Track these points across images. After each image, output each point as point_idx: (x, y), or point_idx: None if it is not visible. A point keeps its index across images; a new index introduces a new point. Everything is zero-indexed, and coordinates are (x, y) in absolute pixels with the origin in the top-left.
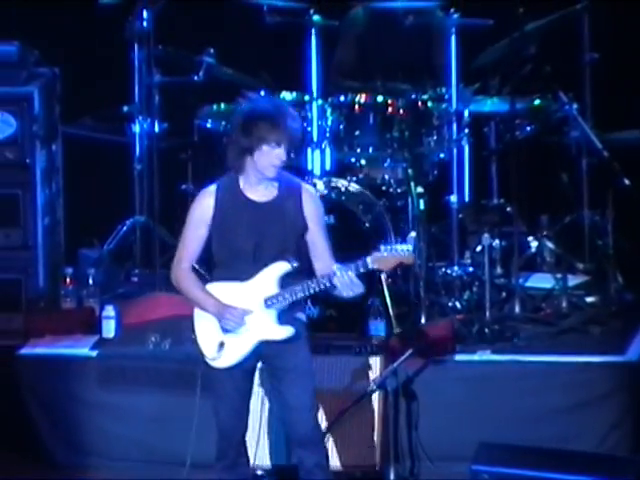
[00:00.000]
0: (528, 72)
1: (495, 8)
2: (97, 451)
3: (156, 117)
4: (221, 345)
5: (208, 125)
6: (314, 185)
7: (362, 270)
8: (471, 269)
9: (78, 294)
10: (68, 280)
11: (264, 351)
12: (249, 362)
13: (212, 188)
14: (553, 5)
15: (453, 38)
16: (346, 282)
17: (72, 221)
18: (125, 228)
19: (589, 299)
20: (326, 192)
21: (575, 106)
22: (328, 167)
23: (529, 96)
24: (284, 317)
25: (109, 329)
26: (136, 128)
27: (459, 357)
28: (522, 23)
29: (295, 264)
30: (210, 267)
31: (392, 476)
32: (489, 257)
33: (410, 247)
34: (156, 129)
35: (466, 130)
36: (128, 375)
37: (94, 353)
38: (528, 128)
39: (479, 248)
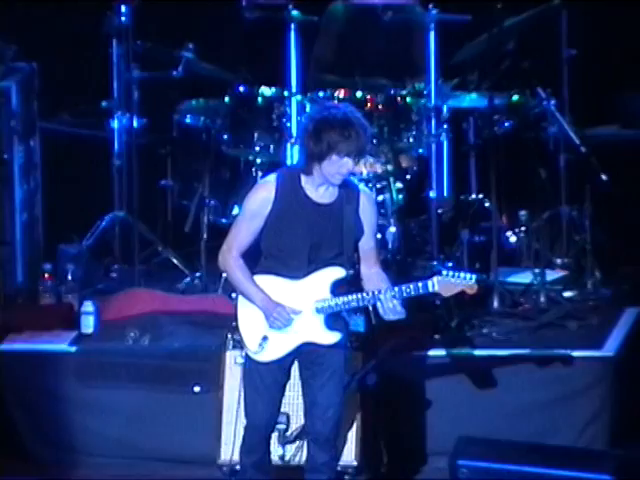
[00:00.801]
0: (506, 68)
1: (474, 4)
2: (76, 447)
3: (135, 112)
4: (264, 339)
5: (187, 120)
6: None
7: (422, 292)
8: (450, 264)
9: (57, 290)
10: (47, 276)
11: (304, 348)
12: (290, 357)
13: (272, 180)
14: (531, 1)
15: (432, 34)
16: (389, 308)
17: (51, 217)
18: (104, 224)
19: (567, 294)
20: None
21: (553, 102)
22: None
23: (507, 92)
24: (332, 321)
25: (88, 325)
26: (115, 124)
27: (438, 352)
28: (500, 19)
29: (351, 271)
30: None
31: (371, 471)
32: (468, 252)
33: (474, 276)
34: (135, 124)
35: (445, 125)
36: (107, 371)
37: (73, 349)
38: (507, 124)
39: (458, 243)
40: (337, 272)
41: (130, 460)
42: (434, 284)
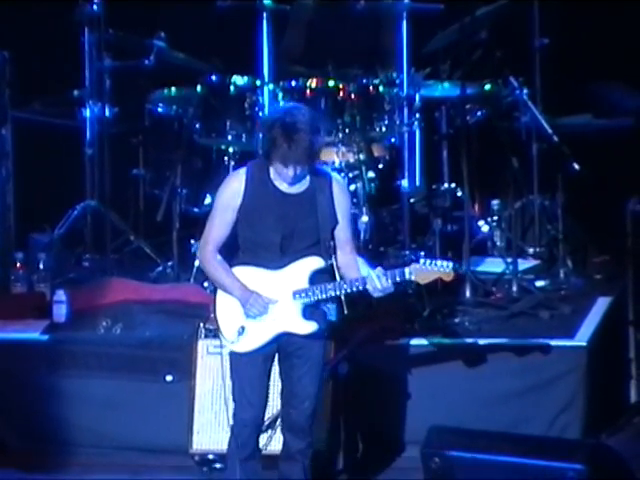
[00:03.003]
0: (479, 57)
1: None
2: (48, 436)
3: (107, 101)
4: (242, 329)
5: (159, 109)
6: None
7: (398, 279)
8: (422, 253)
9: (28, 279)
10: (18, 265)
11: (283, 338)
12: (270, 347)
13: (242, 172)
14: None
15: (404, 23)
16: (378, 288)
17: (22, 206)
18: (76, 213)
19: (539, 283)
20: None
21: (525, 91)
22: None
23: (480, 81)
24: (309, 311)
25: (60, 314)
26: (87, 113)
27: (410, 341)
28: (472, 8)
29: (329, 261)
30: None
31: (342, 461)
32: (440, 241)
33: (450, 264)
34: (107, 113)
35: (417, 115)
36: (79, 360)
37: (45, 338)
38: (479, 113)
39: (430, 232)
40: (316, 262)
41: (102, 449)
42: (411, 271)
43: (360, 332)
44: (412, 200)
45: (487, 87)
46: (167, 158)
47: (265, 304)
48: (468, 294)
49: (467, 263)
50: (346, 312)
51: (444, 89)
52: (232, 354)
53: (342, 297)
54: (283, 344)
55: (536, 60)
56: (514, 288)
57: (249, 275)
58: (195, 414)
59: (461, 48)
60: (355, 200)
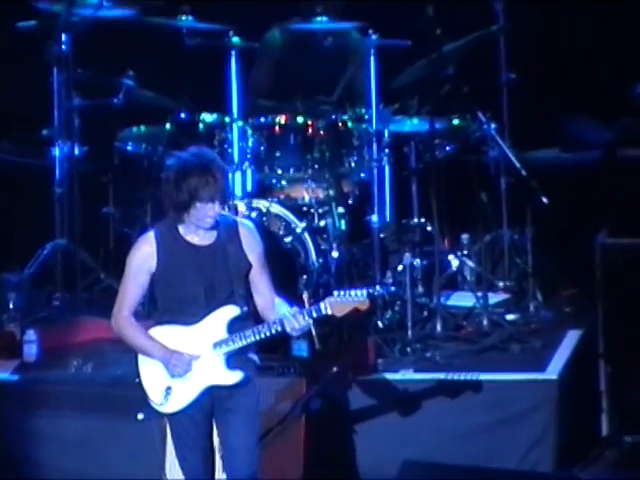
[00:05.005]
0: (447, 92)
1: (413, 29)
2: (20, 476)
3: (76, 140)
4: (168, 390)
5: (128, 148)
6: (235, 207)
7: (315, 315)
8: (393, 288)
9: None
10: None
11: (213, 392)
12: (204, 402)
13: (151, 235)
14: (470, 26)
15: (372, 59)
16: (296, 328)
17: None
18: (46, 252)
19: (509, 317)
20: (247, 213)
21: (493, 126)
22: (249, 188)
23: (448, 116)
24: (233, 361)
25: (30, 353)
26: (56, 151)
27: (382, 376)
28: (440, 44)
29: (245, 308)
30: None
31: None
32: (410, 276)
33: (364, 292)
34: (76, 152)
35: (386, 150)
36: (50, 399)
37: (15, 377)
38: (447, 148)
39: (400, 267)
40: (231, 311)
41: None
42: (326, 306)
43: (331, 368)
44: (382, 235)
45: (455, 122)
46: (137, 196)
47: (188, 361)
48: (439, 328)
49: (437, 297)
50: (317, 347)
51: (413, 124)
52: (167, 417)
53: (313, 333)
54: (216, 399)
55: (504, 95)
56: (484, 322)
57: (167, 334)
58: (167, 453)
59: (429, 83)
60: (325, 236)
